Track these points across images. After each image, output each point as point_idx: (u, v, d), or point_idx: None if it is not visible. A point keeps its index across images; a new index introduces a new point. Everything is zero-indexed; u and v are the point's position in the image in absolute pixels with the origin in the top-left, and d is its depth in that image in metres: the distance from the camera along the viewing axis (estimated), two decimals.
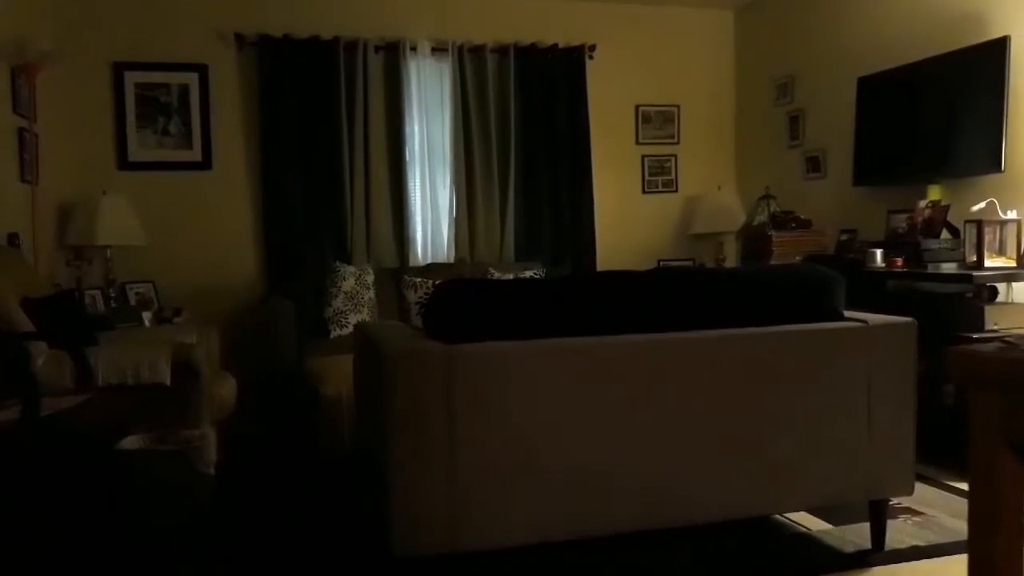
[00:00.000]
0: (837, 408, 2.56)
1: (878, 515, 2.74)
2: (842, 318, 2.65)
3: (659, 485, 2.41)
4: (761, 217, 5.40)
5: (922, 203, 4.28)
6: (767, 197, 5.49)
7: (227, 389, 3.48)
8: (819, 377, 2.55)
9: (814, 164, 5.52)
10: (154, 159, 5.26)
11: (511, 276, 5.28)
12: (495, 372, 2.26)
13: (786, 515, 3.08)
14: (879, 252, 4.17)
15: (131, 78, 5.20)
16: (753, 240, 5.14)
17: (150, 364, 3.02)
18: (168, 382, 3.05)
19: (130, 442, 2.98)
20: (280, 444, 4.17)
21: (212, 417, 3.27)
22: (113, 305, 4.90)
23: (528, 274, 5.28)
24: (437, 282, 2.53)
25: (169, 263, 5.24)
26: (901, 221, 4.45)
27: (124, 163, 5.21)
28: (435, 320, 2.35)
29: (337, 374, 3.52)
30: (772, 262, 4.76)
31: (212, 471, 3.09)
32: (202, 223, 5.34)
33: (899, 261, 4.03)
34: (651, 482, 2.40)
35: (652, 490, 2.41)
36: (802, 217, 5.04)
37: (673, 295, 2.48)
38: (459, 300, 2.30)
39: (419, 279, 2.66)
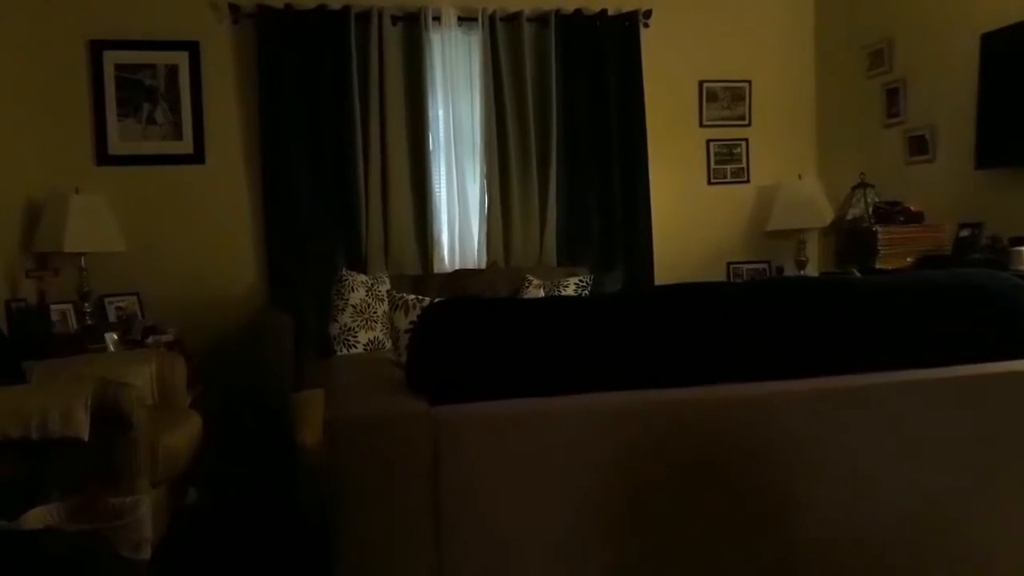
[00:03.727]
0: None
1: None
2: None
3: None
4: (856, 210, 4.45)
5: None
6: (863, 186, 4.54)
7: (181, 437, 2.71)
8: None
9: (919, 145, 4.55)
10: (138, 152, 4.56)
11: (551, 284, 4.43)
12: (503, 449, 1.42)
13: None
14: None
15: (110, 58, 4.50)
16: (851, 237, 4.21)
17: (62, 412, 2.26)
18: (86, 436, 2.28)
19: (34, 518, 2.22)
20: (252, 505, 3.37)
21: (153, 479, 2.49)
22: (88, 322, 4.20)
23: (572, 282, 4.43)
24: (437, 299, 1.72)
25: (156, 272, 4.54)
26: None
27: (103, 157, 4.51)
28: (418, 365, 1.51)
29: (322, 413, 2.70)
30: (879, 265, 3.81)
31: (145, 554, 2.31)
32: (194, 225, 4.62)
33: None
34: None
35: None
36: (912, 208, 4.08)
37: (784, 321, 1.60)
38: (451, 335, 1.47)
39: (412, 297, 1.90)
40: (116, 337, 3.61)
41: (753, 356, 1.53)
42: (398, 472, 1.42)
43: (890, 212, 4.08)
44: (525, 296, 4.46)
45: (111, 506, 2.33)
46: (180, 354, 3.51)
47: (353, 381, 1.68)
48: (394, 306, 1.86)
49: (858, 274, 1.85)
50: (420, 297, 1.91)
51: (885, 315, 1.61)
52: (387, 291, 4.27)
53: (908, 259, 3.84)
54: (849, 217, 4.50)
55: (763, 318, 1.55)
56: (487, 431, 1.41)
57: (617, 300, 1.61)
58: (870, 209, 4.33)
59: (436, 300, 1.58)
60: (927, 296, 1.72)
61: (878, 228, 3.97)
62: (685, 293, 1.59)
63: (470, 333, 1.45)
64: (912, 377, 1.59)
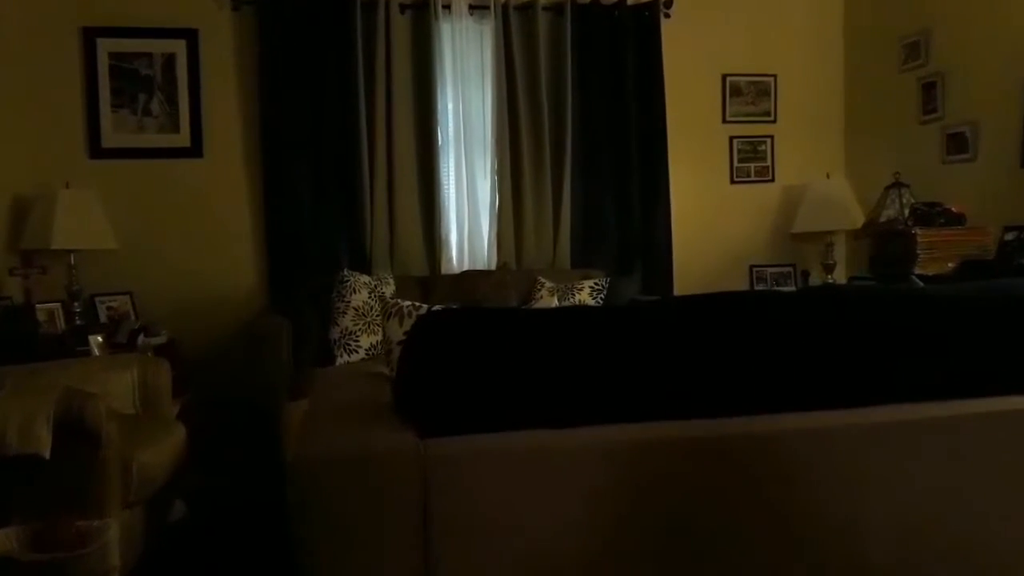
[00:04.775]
0: None
1: None
2: None
3: None
4: (890, 211, 4.18)
5: None
6: (898, 186, 4.27)
7: (161, 451, 2.48)
8: None
9: (959, 143, 4.27)
10: (132, 145, 4.35)
11: (565, 287, 4.19)
12: (507, 491, 1.18)
13: None
14: None
15: (104, 46, 4.29)
16: (886, 240, 3.93)
17: (20, 427, 2.03)
18: (47, 454, 2.05)
19: None
20: (243, 520, 3.14)
21: (125, 500, 2.27)
22: (78, 322, 4.00)
23: (587, 285, 4.18)
24: (435, 307, 1.49)
25: (150, 271, 4.33)
26: None
27: (96, 150, 4.30)
28: (407, 389, 1.27)
29: None
30: (918, 270, 3.54)
31: None
32: (191, 222, 4.41)
33: None
34: None
35: None
36: (954, 210, 3.81)
37: (848, 338, 1.34)
38: (445, 354, 1.23)
39: (408, 304, 1.68)
40: (101, 340, 3.39)
41: (811, 381, 1.28)
42: (382, 516, 1.18)
43: (929, 214, 3.80)
44: (537, 299, 4.22)
45: (76, 531, 2.11)
46: (166, 359, 3.29)
47: (334, 405, 1.44)
48: (388, 313, 1.65)
49: (919, 282, 1.64)
50: (417, 304, 1.68)
51: (971, 333, 1.35)
52: (391, 294, 4.05)
53: (949, 264, 3.57)
54: (882, 219, 4.22)
55: (820, 335, 1.30)
56: (488, 470, 1.17)
57: (643, 312, 1.37)
58: (906, 211, 4.05)
59: (429, 310, 1.34)
60: (1016, 312, 1.46)
61: (917, 230, 3.69)
62: (726, 304, 1.34)
63: (467, 351, 1.21)
64: (1007, 406, 1.33)
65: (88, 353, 3.46)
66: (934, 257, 3.62)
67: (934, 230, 3.73)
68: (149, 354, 3.31)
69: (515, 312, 1.25)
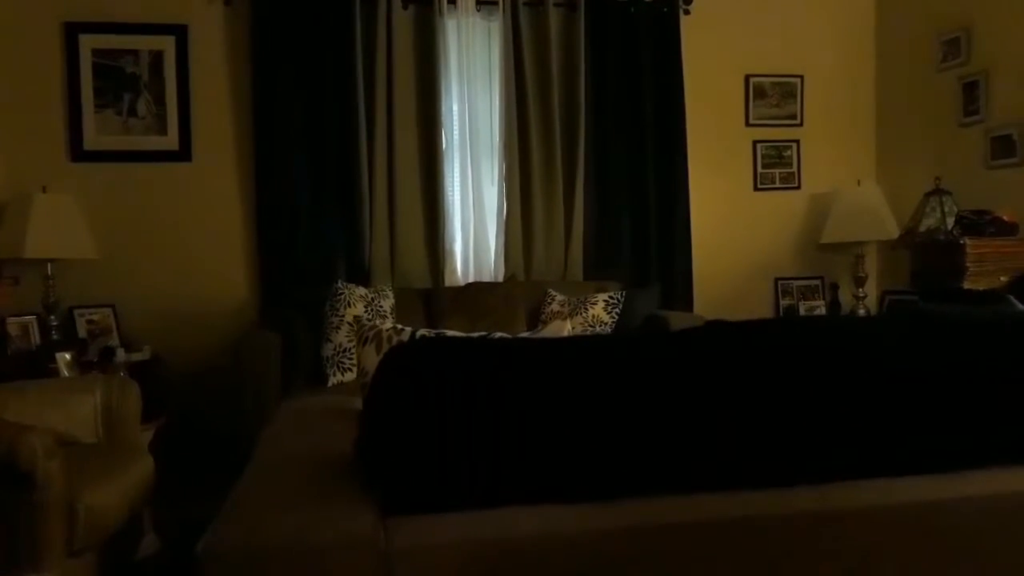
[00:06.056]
0: None
1: None
2: None
3: None
4: (931, 220, 3.85)
5: None
6: (939, 192, 3.94)
7: (116, 490, 2.18)
8: None
9: (1004, 146, 3.95)
10: (117, 148, 4.10)
11: (577, 301, 3.88)
12: None
13: None
14: None
15: (88, 43, 4.04)
16: (931, 252, 3.60)
17: None
18: None
19: None
20: None
21: (71, 548, 1.97)
22: (54, 336, 3.74)
23: (601, 298, 3.87)
24: (416, 334, 1.19)
25: (134, 282, 4.07)
26: None
27: (78, 152, 4.05)
28: (370, 448, 0.97)
29: None
30: (967, 284, 3.22)
31: None
32: (178, 230, 4.15)
33: None
34: None
35: None
36: (1005, 218, 3.48)
37: (952, 381, 1.03)
38: (417, 403, 0.92)
39: (388, 327, 1.40)
40: (69, 358, 3.11)
41: (909, 438, 0.97)
42: None
43: (977, 223, 3.48)
44: (546, 313, 3.91)
45: None
46: (145, 377, 3.01)
47: (283, 458, 1.14)
48: (363, 338, 1.37)
49: (1016, 303, 1.39)
50: (399, 327, 1.41)
51: None
52: (390, 307, 3.76)
53: (1002, 278, 3.24)
54: (922, 228, 3.89)
55: (915, 375, 0.99)
56: (470, 562, 0.86)
57: (672, 348, 1.07)
58: (949, 219, 3.72)
59: (401, 344, 1.04)
60: None
61: (967, 241, 3.36)
62: (789, 332, 1.03)
63: (446, 399, 0.91)
64: None
65: (57, 371, 3.18)
66: (985, 270, 3.29)
67: (984, 240, 3.40)
68: (121, 374, 3.02)
69: (506, 346, 0.97)
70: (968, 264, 3.28)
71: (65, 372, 3.08)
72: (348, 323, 3.57)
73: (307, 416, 1.66)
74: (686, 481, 0.97)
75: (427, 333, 1.54)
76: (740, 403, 1.04)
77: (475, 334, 1.57)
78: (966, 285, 3.24)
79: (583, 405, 0.95)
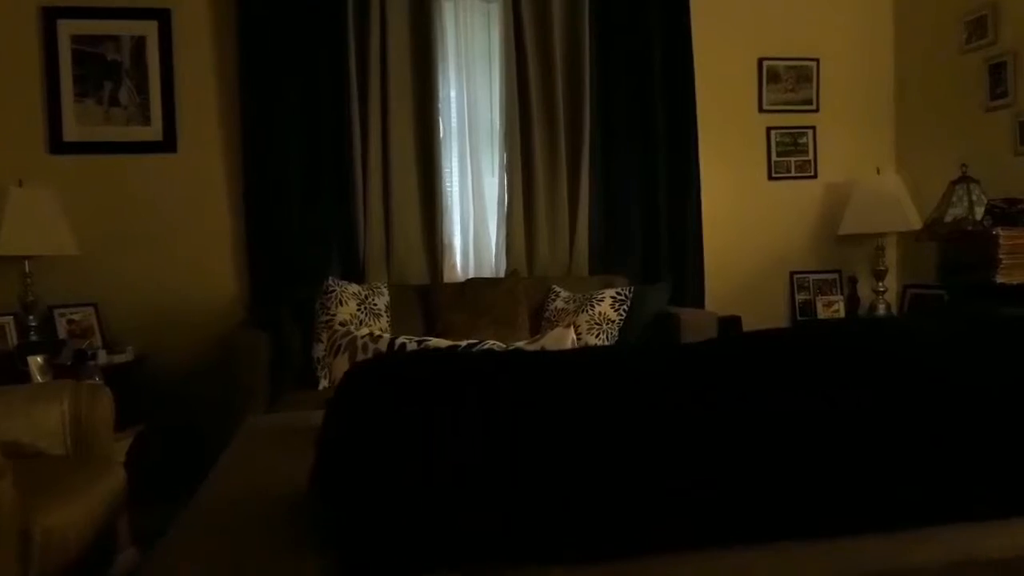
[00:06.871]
0: None
1: None
2: None
3: None
4: (957, 209, 3.63)
5: None
6: (966, 180, 3.72)
7: (79, 509, 1.99)
8: None
9: None
10: (98, 139, 3.90)
11: (582, 297, 3.67)
12: None
13: None
14: None
15: (66, 28, 3.84)
16: (959, 243, 3.38)
17: None
18: None
19: None
20: None
21: None
22: (33, 337, 3.56)
23: (608, 294, 3.66)
24: (396, 339, 1.00)
25: (117, 280, 3.89)
26: None
27: (57, 144, 3.86)
28: (325, 498, 0.76)
29: None
30: (1000, 278, 3.00)
31: None
32: (163, 225, 3.96)
33: None
34: None
35: None
36: None
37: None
38: (385, 436, 0.72)
39: (363, 335, 1.21)
40: (41, 362, 2.92)
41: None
42: None
43: (1009, 212, 3.26)
44: (550, 310, 3.71)
45: None
46: (123, 381, 2.82)
47: (229, 498, 0.94)
48: (335, 347, 1.20)
49: None
50: (375, 334, 1.23)
51: None
52: (384, 306, 3.56)
53: None
54: (947, 219, 3.67)
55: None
56: None
57: (699, 377, 0.86)
58: (977, 209, 3.51)
59: (365, 363, 0.84)
60: None
61: (1000, 231, 3.14)
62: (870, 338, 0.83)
63: (411, 437, 0.71)
64: None
65: (30, 376, 2.99)
66: (1019, 263, 3.07)
67: (1018, 231, 3.18)
68: (96, 379, 2.83)
69: (492, 366, 0.78)
70: (1001, 256, 3.06)
71: (38, 376, 2.90)
72: (340, 322, 3.38)
73: (275, 435, 1.46)
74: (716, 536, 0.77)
75: (407, 341, 1.34)
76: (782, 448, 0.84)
77: (463, 343, 1.38)
78: (999, 279, 3.03)
79: (588, 444, 0.75)
